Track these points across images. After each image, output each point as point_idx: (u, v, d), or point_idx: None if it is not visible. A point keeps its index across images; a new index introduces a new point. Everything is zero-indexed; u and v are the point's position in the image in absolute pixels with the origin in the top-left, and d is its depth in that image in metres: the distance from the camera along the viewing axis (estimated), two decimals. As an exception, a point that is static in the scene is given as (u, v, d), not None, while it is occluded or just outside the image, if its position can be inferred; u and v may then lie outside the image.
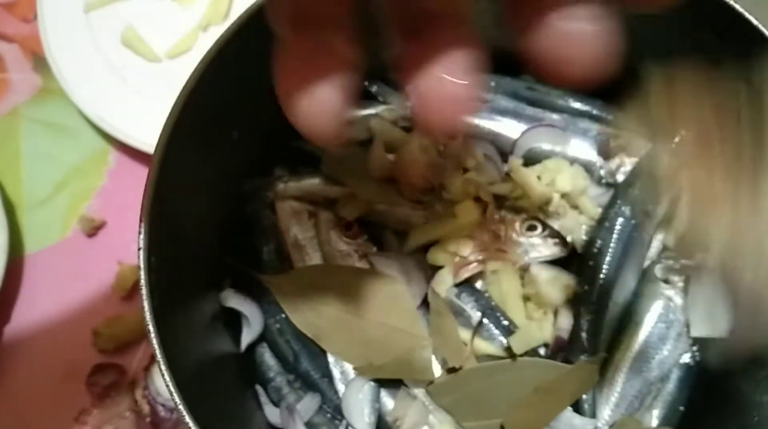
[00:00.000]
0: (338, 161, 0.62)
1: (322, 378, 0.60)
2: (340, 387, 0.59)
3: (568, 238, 0.61)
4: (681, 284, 0.61)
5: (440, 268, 0.61)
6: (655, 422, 0.58)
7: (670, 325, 0.60)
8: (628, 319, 0.60)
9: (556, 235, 0.61)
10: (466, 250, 0.60)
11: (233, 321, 0.61)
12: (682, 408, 0.59)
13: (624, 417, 0.57)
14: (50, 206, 0.78)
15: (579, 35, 0.27)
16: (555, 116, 0.65)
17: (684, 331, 0.59)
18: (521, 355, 0.57)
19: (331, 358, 0.60)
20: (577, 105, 0.67)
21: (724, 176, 0.39)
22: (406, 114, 0.65)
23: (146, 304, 0.46)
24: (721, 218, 0.39)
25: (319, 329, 0.59)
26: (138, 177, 0.77)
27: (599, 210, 0.62)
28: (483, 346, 0.58)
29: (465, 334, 0.59)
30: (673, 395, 0.59)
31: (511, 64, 0.67)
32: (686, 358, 0.60)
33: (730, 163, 0.40)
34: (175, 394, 0.44)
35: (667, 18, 0.55)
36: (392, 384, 0.59)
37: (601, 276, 0.59)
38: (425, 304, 0.60)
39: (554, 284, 0.59)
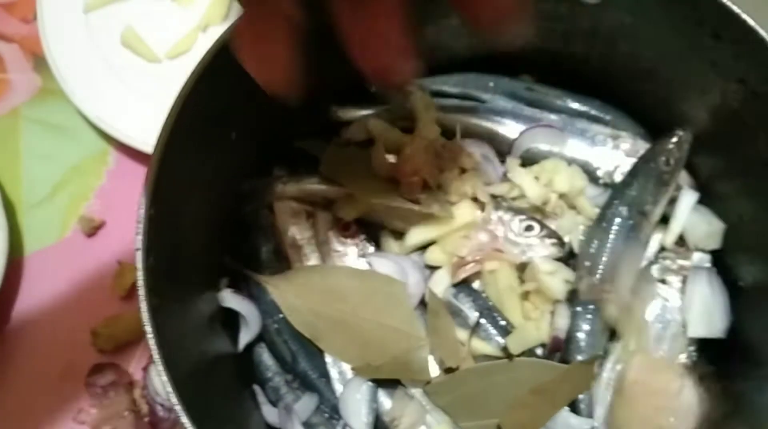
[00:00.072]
0: (337, 162, 0.62)
1: (319, 378, 0.60)
2: (338, 387, 0.60)
3: (566, 239, 0.62)
4: (678, 285, 0.61)
5: (438, 268, 0.61)
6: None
7: (667, 325, 0.60)
8: (625, 320, 0.60)
9: (553, 235, 0.61)
10: (464, 250, 0.60)
11: (231, 321, 0.61)
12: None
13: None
14: (50, 206, 0.78)
15: None
16: (553, 116, 0.66)
17: (681, 331, 0.60)
18: (518, 356, 0.57)
19: (328, 358, 0.60)
20: (575, 105, 0.67)
21: None
22: (404, 114, 0.65)
23: (144, 305, 0.46)
24: None
25: (316, 329, 0.59)
26: (137, 177, 0.77)
27: (597, 210, 0.62)
28: (480, 346, 0.59)
29: (462, 334, 0.59)
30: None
31: (510, 65, 0.68)
32: (683, 359, 0.60)
33: None
34: (172, 394, 0.44)
35: (665, 18, 0.56)
36: (390, 384, 0.59)
37: (598, 276, 0.59)
38: (423, 304, 0.60)
39: (555, 276, 0.59)
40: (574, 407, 0.57)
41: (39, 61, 0.82)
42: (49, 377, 0.71)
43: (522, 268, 0.60)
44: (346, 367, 0.59)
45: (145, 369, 0.70)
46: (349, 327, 0.59)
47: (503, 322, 0.59)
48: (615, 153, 0.64)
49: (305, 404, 0.59)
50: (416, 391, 0.58)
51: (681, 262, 0.62)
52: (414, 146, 0.61)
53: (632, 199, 0.60)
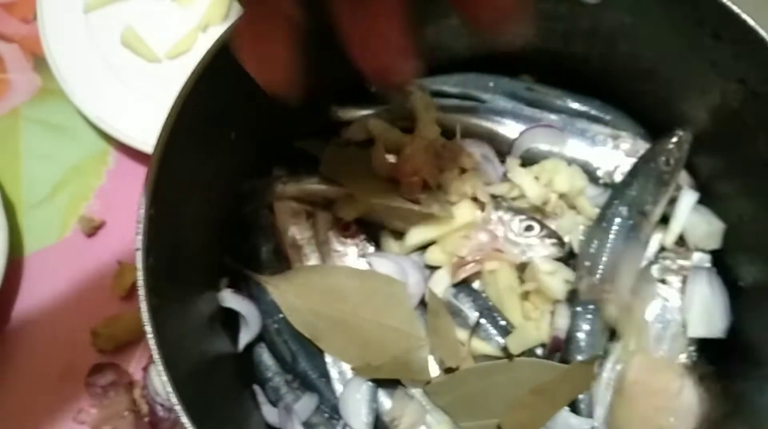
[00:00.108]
0: (337, 162, 0.62)
1: (319, 378, 0.60)
2: (338, 387, 0.60)
3: (566, 239, 0.62)
4: (678, 285, 0.61)
5: (438, 268, 0.61)
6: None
7: (667, 325, 0.60)
8: (625, 320, 0.60)
9: (553, 235, 0.61)
10: (464, 250, 0.60)
11: (231, 321, 0.61)
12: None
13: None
14: (50, 206, 0.78)
15: None
16: (553, 116, 0.66)
17: (681, 331, 0.60)
18: (518, 356, 0.57)
19: (328, 358, 0.60)
20: (575, 105, 0.67)
21: None
22: (404, 114, 0.65)
23: (144, 305, 0.46)
24: None
25: (316, 329, 0.59)
26: (137, 177, 0.77)
27: (597, 210, 0.62)
28: (480, 346, 0.59)
29: (462, 334, 0.59)
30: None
31: (510, 65, 0.68)
32: (683, 359, 0.60)
33: None
34: (172, 394, 0.44)
35: (664, 18, 0.56)
36: (390, 384, 0.59)
37: (598, 276, 0.59)
38: (423, 304, 0.60)
39: (555, 276, 0.59)
40: (574, 407, 0.57)
41: (39, 61, 0.82)
42: (49, 377, 0.71)
43: (522, 268, 0.60)
44: (346, 367, 0.59)
45: (145, 369, 0.70)
46: (349, 327, 0.59)
47: (503, 322, 0.59)
48: (615, 153, 0.64)
49: (305, 404, 0.59)
50: (416, 391, 0.58)
51: (681, 262, 0.62)
52: (414, 146, 0.61)
53: (632, 199, 0.60)
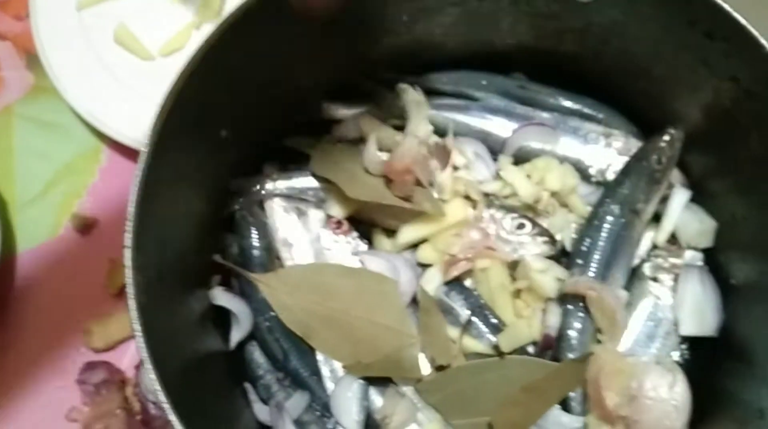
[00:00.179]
0: (327, 159, 0.62)
1: (311, 376, 0.60)
2: (329, 385, 0.60)
3: (558, 237, 0.62)
4: (670, 283, 0.61)
5: (429, 266, 0.61)
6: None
7: (659, 323, 0.60)
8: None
9: (545, 233, 0.61)
10: (456, 248, 0.60)
11: (222, 319, 0.61)
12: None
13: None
14: (42, 204, 0.78)
15: None
16: (545, 115, 0.66)
17: (673, 329, 0.60)
18: (510, 353, 0.57)
19: (320, 356, 0.60)
20: (567, 103, 0.67)
21: None
22: (396, 112, 0.65)
23: (132, 303, 0.46)
24: None
25: (308, 327, 0.59)
26: (130, 174, 0.76)
27: (589, 208, 0.62)
28: (471, 344, 0.59)
29: (453, 332, 0.59)
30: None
31: (503, 63, 0.67)
32: (675, 357, 0.60)
33: None
34: (160, 392, 0.44)
35: (657, 17, 0.56)
36: (381, 382, 0.59)
37: (590, 274, 0.59)
38: (414, 302, 0.60)
39: (547, 274, 0.59)
40: (565, 405, 0.57)
41: (32, 59, 0.82)
42: (41, 375, 0.71)
43: (514, 265, 0.60)
44: (338, 365, 0.59)
45: (138, 367, 0.70)
46: (340, 325, 0.59)
47: (495, 320, 0.59)
48: (607, 151, 0.64)
49: (296, 402, 0.59)
50: (407, 389, 0.58)
51: (673, 260, 0.62)
52: (406, 144, 0.61)
53: (624, 198, 0.60)
